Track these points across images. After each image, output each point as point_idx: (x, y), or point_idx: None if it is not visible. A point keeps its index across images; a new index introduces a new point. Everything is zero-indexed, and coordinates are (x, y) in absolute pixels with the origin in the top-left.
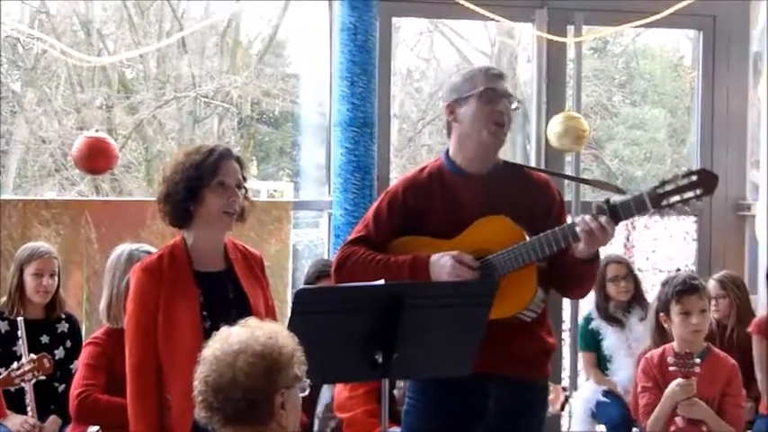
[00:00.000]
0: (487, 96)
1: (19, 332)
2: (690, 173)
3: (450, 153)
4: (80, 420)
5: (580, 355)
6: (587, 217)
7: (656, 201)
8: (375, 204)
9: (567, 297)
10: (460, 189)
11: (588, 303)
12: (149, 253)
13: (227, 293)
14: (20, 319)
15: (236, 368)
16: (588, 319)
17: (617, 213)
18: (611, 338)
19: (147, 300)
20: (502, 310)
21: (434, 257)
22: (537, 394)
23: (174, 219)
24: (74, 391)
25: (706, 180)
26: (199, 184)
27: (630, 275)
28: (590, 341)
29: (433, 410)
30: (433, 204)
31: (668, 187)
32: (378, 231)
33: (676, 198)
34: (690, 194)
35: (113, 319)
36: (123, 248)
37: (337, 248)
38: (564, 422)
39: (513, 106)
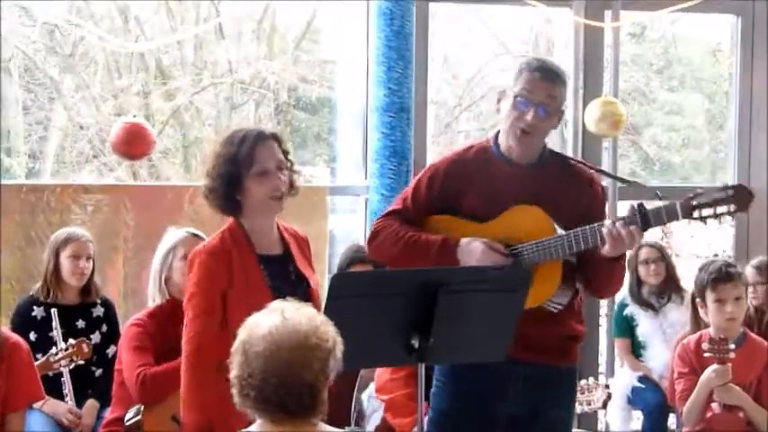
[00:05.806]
0: (519, 102)
1: (53, 323)
2: (726, 187)
3: (500, 137)
4: (148, 401)
5: (615, 341)
6: (618, 223)
7: (687, 211)
8: (416, 178)
9: (596, 297)
10: (504, 178)
11: (623, 289)
12: (195, 235)
13: (289, 276)
14: (53, 310)
15: (294, 362)
16: (623, 306)
17: (647, 220)
18: (645, 325)
19: (214, 283)
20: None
21: (464, 241)
22: (562, 378)
23: (224, 210)
24: (130, 374)
25: (741, 197)
26: (238, 177)
27: (662, 260)
28: (624, 327)
29: (460, 392)
30: (473, 186)
31: (702, 200)
32: (415, 206)
33: (709, 211)
34: (723, 209)
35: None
36: (173, 231)
37: (374, 220)
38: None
39: (554, 109)
